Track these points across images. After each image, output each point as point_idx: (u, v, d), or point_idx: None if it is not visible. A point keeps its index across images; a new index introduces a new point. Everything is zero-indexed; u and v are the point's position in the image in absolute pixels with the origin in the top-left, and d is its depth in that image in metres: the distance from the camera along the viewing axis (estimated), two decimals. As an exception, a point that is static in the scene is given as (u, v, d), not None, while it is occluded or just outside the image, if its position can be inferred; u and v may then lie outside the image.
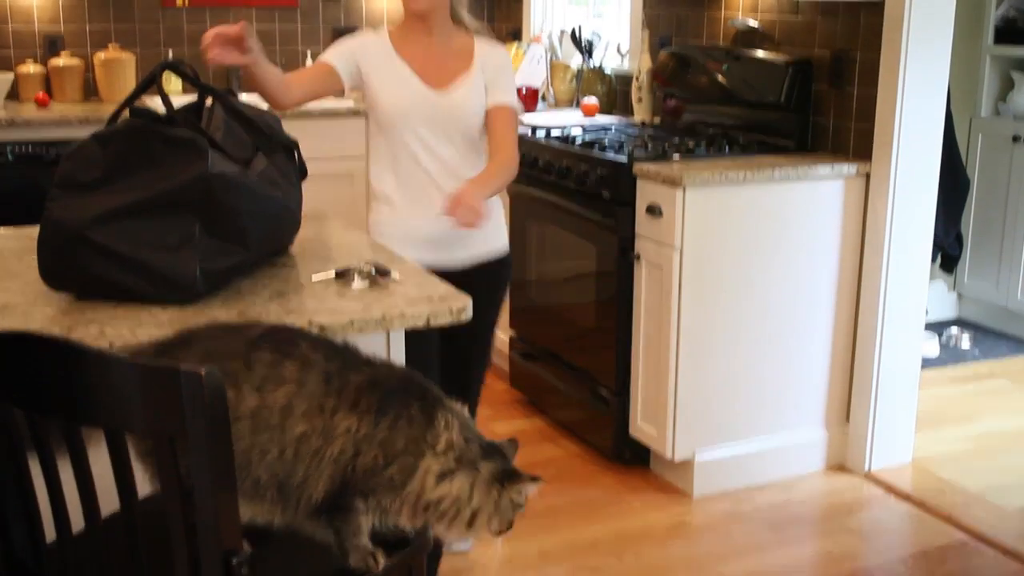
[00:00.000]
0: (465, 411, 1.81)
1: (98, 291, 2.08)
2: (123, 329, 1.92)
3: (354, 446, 1.70)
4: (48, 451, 1.58)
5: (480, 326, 2.77)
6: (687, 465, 3.70)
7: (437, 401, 1.77)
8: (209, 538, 1.51)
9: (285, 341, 1.74)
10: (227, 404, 1.49)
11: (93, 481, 1.56)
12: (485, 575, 3.21)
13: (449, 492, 1.73)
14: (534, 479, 1.80)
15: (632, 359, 3.78)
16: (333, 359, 1.74)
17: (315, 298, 2.14)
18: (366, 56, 2.95)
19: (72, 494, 1.58)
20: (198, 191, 2.07)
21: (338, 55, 2.95)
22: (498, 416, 4.34)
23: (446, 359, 2.99)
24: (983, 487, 3.76)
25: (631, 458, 3.89)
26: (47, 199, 2.15)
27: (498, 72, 2.99)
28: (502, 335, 4.64)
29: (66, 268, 2.09)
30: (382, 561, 1.81)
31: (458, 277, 2.55)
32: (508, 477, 1.77)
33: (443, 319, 2.10)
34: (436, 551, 2.64)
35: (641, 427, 3.78)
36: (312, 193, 5.29)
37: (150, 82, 2.28)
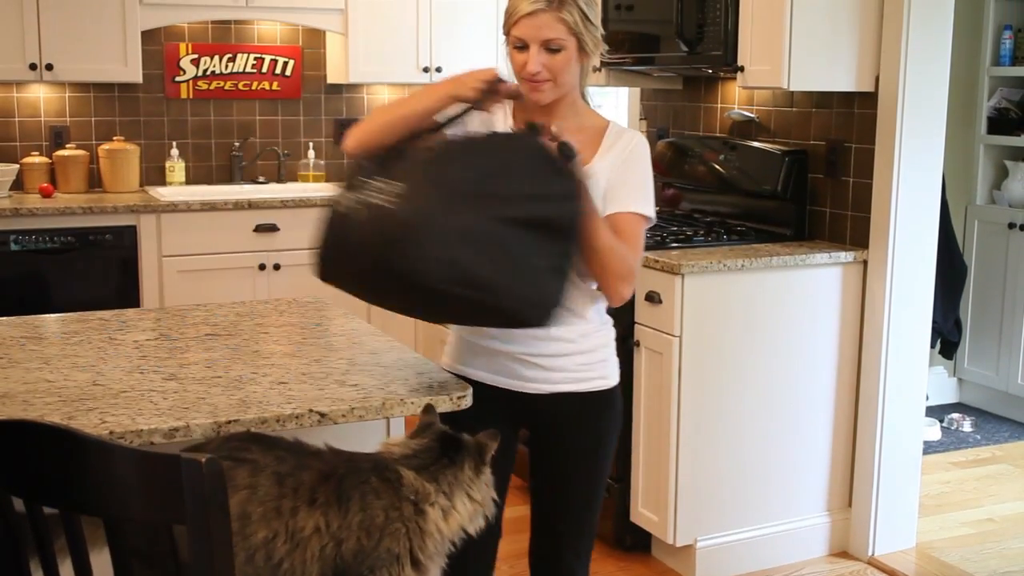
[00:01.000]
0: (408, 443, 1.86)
1: (450, 286, 1.95)
2: (123, 417, 1.94)
3: (332, 538, 1.72)
4: (48, 541, 1.58)
5: (559, 473, 2.46)
6: (689, 551, 3.68)
7: (388, 464, 1.81)
8: (207, 627, 1.51)
9: (237, 448, 1.76)
10: (227, 492, 1.49)
11: (92, 572, 1.56)
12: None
13: (462, 516, 1.81)
14: (492, 438, 1.89)
15: (632, 445, 3.77)
16: (285, 460, 1.76)
17: (315, 386, 2.16)
18: (474, 115, 2.28)
19: (71, 583, 1.58)
20: (573, 224, 2.08)
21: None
22: (499, 503, 4.31)
23: (534, 510, 2.60)
24: (987, 572, 3.73)
25: (632, 544, 3.86)
26: (405, 189, 1.97)
27: (629, 167, 2.32)
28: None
29: (424, 260, 1.93)
30: None
31: (531, 403, 2.36)
32: (480, 459, 1.86)
33: (444, 407, 2.11)
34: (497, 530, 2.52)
35: (642, 513, 3.76)
36: (312, 281, 5.32)
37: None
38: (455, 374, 2.32)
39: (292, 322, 2.76)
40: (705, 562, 3.67)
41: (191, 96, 5.47)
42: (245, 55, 5.55)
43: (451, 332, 2.47)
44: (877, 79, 3.67)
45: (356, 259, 2.02)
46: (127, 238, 4.79)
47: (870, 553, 3.82)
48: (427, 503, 1.79)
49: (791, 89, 3.64)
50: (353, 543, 1.73)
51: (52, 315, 2.86)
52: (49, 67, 4.88)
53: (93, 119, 5.29)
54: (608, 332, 2.44)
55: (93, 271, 4.75)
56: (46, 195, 4.95)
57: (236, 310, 2.87)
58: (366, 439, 2.41)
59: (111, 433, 1.86)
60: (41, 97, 5.19)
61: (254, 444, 1.79)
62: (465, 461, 1.85)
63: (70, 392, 2.09)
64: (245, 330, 2.64)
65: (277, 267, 5.00)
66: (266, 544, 1.70)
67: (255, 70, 5.58)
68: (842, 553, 3.88)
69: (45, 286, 4.68)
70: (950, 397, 5.68)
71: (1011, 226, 5.29)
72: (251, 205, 4.96)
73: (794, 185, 3.93)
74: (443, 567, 1.83)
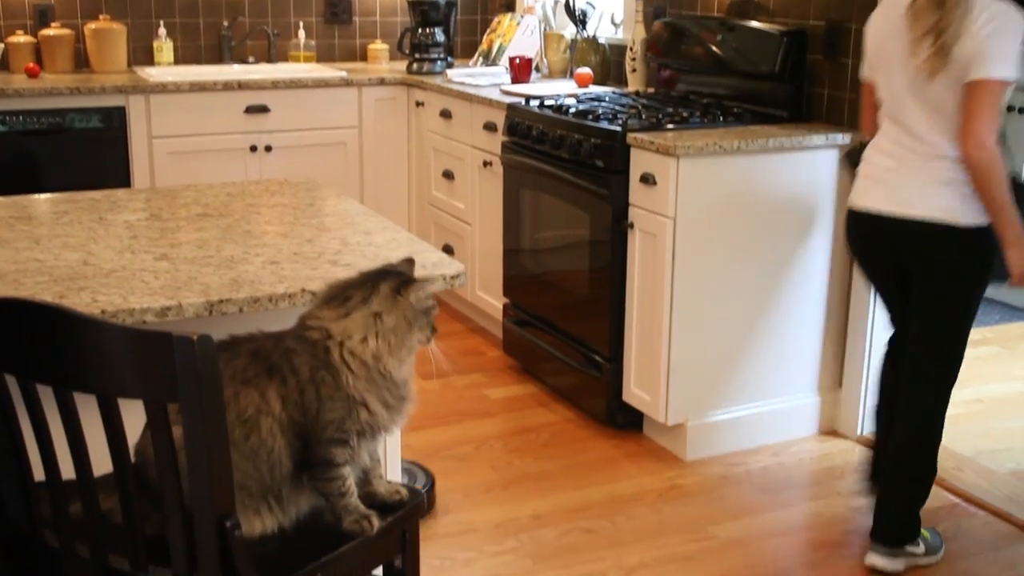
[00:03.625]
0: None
1: None
2: (115, 296, 1.93)
3: (281, 409, 1.73)
4: (41, 417, 1.59)
5: (918, 293, 2.95)
6: (680, 429, 3.73)
7: (302, 321, 1.80)
8: (203, 502, 1.53)
9: None
10: (219, 369, 1.50)
11: (86, 446, 1.58)
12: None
13: (378, 342, 1.76)
14: (428, 279, 1.85)
15: (625, 325, 3.80)
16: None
17: (308, 265, 2.15)
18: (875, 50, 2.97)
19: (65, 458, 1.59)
20: None
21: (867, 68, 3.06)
22: (492, 383, 4.36)
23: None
24: (974, 451, 3.79)
25: (624, 423, 3.91)
26: None
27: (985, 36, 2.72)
28: (494, 302, 4.66)
29: None
30: (376, 523, 1.83)
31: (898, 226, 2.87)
32: (403, 284, 1.79)
33: (437, 286, 2.10)
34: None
35: (634, 392, 3.80)
36: (305, 162, 5.30)
37: None
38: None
39: (284, 202, 2.74)
40: (696, 440, 3.72)
41: (178, -27, 5.36)
42: (232, -70, 5.42)
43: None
44: (878, -45, 3.59)
45: None
46: (116, 119, 4.73)
47: (859, 432, 3.88)
48: (333, 341, 1.76)
49: (790, -35, 3.56)
50: (292, 406, 1.74)
51: (42, 195, 2.84)
52: (31, -58, 4.76)
53: (78, -3, 5.19)
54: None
55: (82, 153, 4.70)
56: (32, 75, 4.88)
57: (227, 190, 2.86)
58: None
59: (103, 312, 1.86)
60: (24, -26, 5.08)
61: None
62: (380, 289, 1.79)
63: (61, 272, 2.08)
64: (236, 210, 2.63)
65: (268, 149, 4.96)
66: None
67: (243, -54, 5.45)
68: (831, 432, 3.94)
69: (34, 168, 4.65)
70: (942, 280, 5.69)
71: (1010, 109, 5.23)
72: (241, 86, 4.89)
73: (792, 66, 3.88)
74: (388, 402, 1.80)
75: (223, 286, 2.01)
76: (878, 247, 3.06)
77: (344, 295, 1.80)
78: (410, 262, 1.91)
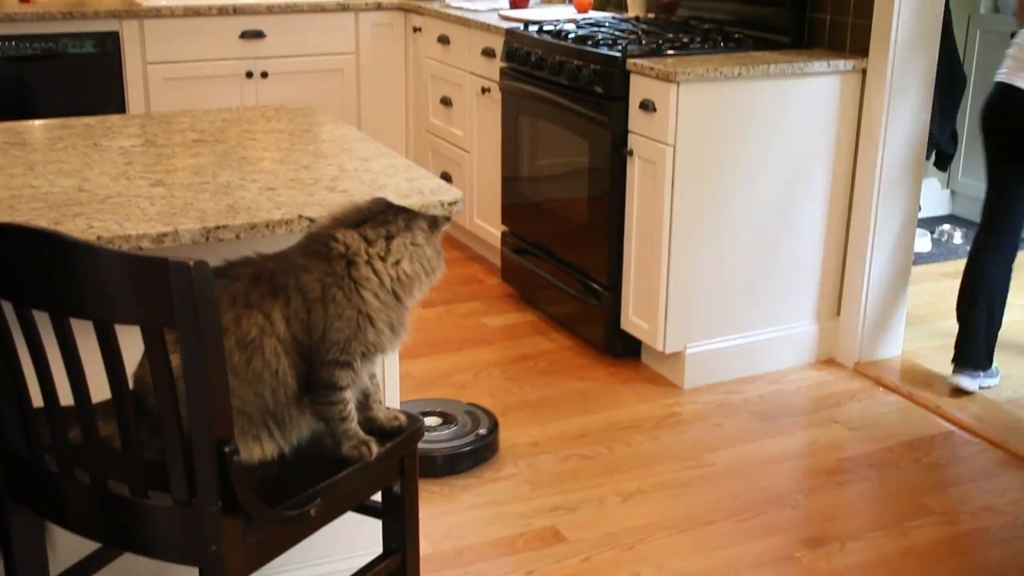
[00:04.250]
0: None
1: None
2: (110, 223, 1.92)
3: (286, 329, 1.72)
4: (38, 343, 1.59)
5: None
6: (678, 357, 3.73)
7: (314, 238, 1.79)
8: (201, 428, 1.53)
9: None
10: (216, 295, 1.49)
11: (84, 372, 1.58)
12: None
13: (412, 265, 1.81)
14: (447, 218, 1.90)
15: (624, 254, 3.79)
16: None
17: (305, 192, 2.14)
18: None
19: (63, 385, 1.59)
20: None
21: None
22: (490, 311, 4.36)
23: None
24: (970, 380, 3.81)
25: (623, 351, 3.92)
26: None
27: None
28: (493, 230, 4.64)
29: None
30: (375, 450, 1.84)
31: None
32: (435, 223, 1.86)
33: (434, 212, 2.09)
34: None
35: (633, 320, 3.80)
36: (302, 88, 5.24)
37: None
38: None
39: (280, 128, 2.72)
40: (693, 368, 3.73)
41: None
42: None
43: None
44: None
45: None
46: (110, 44, 4.68)
47: (856, 360, 3.89)
48: (358, 256, 1.77)
49: None
50: (298, 325, 1.73)
51: (36, 121, 2.82)
52: None
53: (69, -81, 5.10)
54: None
55: (76, 79, 4.65)
56: (24, 0, 4.81)
57: (223, 116, 2.83)
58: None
59: (99, 238, 1.84)
60: None
61: None
62: (418, 223, 1.83)
63: (56, 198, 2.06)
64: (232, 136, 2.60)
65: (264, 75, 4.91)
66: (228, 363, 1.70)
67: None
68: (828, 360, 3.95)
69: (28, 94, 4.60)
70: (942, 209, 5.68)
71: (1014, 35, 5.16)
72: (236, 11, 4.82)
73: (794, -10, 3.83)
74: (394, 326, 1.82)
75: (220, 212, 1.99)
76: (1010, 117, 3.53)
77: (382, 219, 1.81)
78: (446, 218, 1.94)
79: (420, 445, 2.87)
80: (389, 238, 1.79)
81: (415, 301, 1.85)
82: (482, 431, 3.28)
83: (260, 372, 1.72)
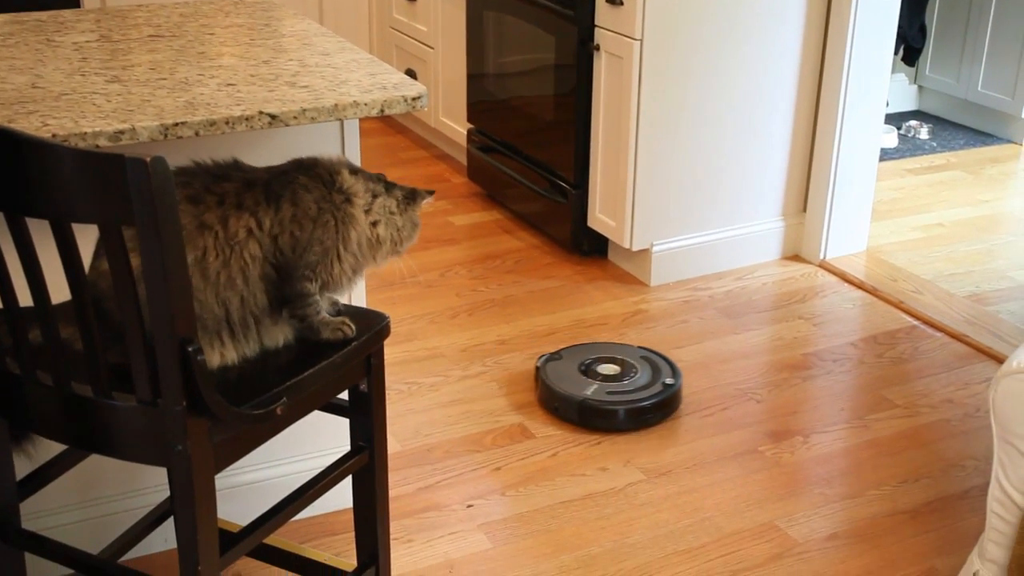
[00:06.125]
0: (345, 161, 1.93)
1: None
2: (66, 120, 1.87)
3: (268, 237, 1.74)
4: (-5, 242, 1.56)
5: None
6: (645, 255, 3.74)
7: (319, 165, 1.85)
8: (164, 327, 1.51)
9: None
10: (175, 191, 1.46)
11: (42, 272, 1.55)
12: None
13: (386, 230, 1.87)
14: (430, 192, 1.97)
15: (591, 151, 3.76)
16: (191, 184, 1.73)
17: (265, 87, 2.09)
18: None
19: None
20: None
21: None
22: (456, 209, 4.33)
23: None
24: (934, 275, 3.84)
25: (589, 249, 3.92)
26: None
27: None
28: (459, 128, 4.60)
29: None
30: (353, 328, 1.88)
31: None
32: (413, 197, 1.93)
33: (398, 108, 2.06)
34: None
35: (600, 218, 3.79)
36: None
37: None
38: None
39: (239, 23, 2.65)
40: (660, 266, 3.74)
41: None
42: None
43: None
44: None
45: None
46: (61, -64, 4.53)
47: (822, 256, 3.91)
48: (356, 197, 1.84)
49: None
50: (287, 237, 1.77)
51: (-15, 16, 2.73)
52: None
53: None
54: None
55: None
56: None
57: (180, 11, 2.75)
58: (320, 146, 2.37)
59: (54, 136, 1.80)
60: None
61: None
62: (395, 192, 1.91)
63: (8, 95, 2.01)
64: (190, 31, 2.53)
65: (223, -31, 4.78)
66: (198, 264, 1.69)
67: None
68: (794, 257, 3.96)
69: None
70: (909, 104, 5.67)
71: (984, -74, 5.11)
72: (192, -99, 4.68)
73: None
74: (353, 275, 1.88)
75: (178, 109, 1.95)
76: None
77: (368, 176, 1.89)
78: (430, 191, 2.00)
79: (600, 397, 2.93)
80: (375, 196, 1.87)
81: (375, 264, 1.91)
82: (668, 380, 3.05)
83: (234, 277, 1.71)
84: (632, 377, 3.06)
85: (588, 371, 3.08)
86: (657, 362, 3.13)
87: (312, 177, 1.82)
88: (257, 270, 1.75)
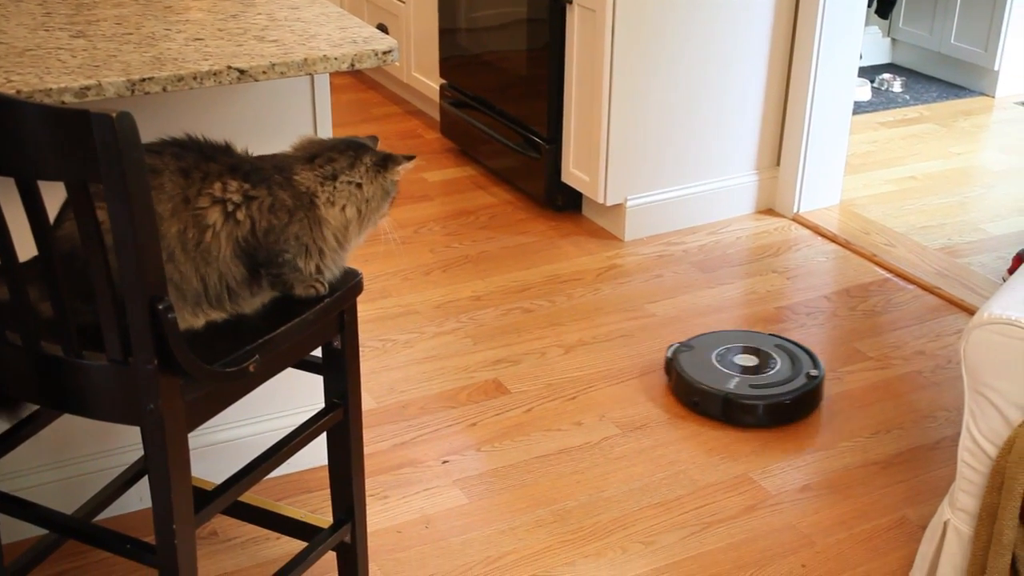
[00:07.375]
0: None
1: None
2: (30, 76, 1.84)
3: (248, 219, 1.73)
4: (-40, 200, 1.54)
5: None
6: (619, 210, 3.73)
7: (284, 164, 1.83)
8: (133, 285, 1.50)
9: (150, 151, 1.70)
10: (142, 147, 1.44)
11: (7, 229, 1.53)
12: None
13: (352, 208, 1.84)
14: (408, 157, 1.93)
15: (564, 106, 3.74)
16: (183, 156, 1.71)
17: (233, 42, 2.06)
18: None
19: (-11, 244, 1.55)
20: None
21: None
22: (430, 166, 4.31)
23: None
24: (907, 228, 3.86)
25: (563, 204, 3.91)
26: None
27: None
28: (431, 83, 4.56)
29: None
30: (327, 285, 1.85)
31: None
32: (384, 163, 1.89)
33: (368, 62, 2.04)
34: None
35: (573, 173, 3.78)
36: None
37: None
38: None
39: (206, -23, 2.61)
40: (634, 220, 3.73)
41: None
42: None
43: None
44: None
45: None
46: None
47: (795, 210, 3.91)
48: (316, 197, 1.81)
49: None
50: (265, 223, 1.75)
51: (-54, -29, 2.68)
52: None
53: None
54: None
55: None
56: None
57: (146, -36, 2.71)
58: (290, 102, 2.35)
59: (18, 92, 1.77)
60: None
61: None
62: (363, 160, 1.86)
63: (-29, 50, 1.97)
64: (156, -15, 2.49)
65: (190, -78, 4.71)
66: (180, 236, 1.67)
67: None
68: (768, 211, 3.97)
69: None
70: (883, 58, 5.66)
71: None
72: None
73: None
74: (329, 267, 1.86)
75: (144, 64, 1.92)
76: None
77: (328, 156, 1.84)
78: (374, 139, 1.95)
79: (740, 391, 2.84)
80: (334, 178, 1.83)
81: (353, 246, 1.89)
82: (813, 372, 2.89)
83: (212, 252, 1.70)
84: (773, 368, 2.92)
85: (724, 362, 2.95)
86: (799, 356, 2.96)
87: (285, 177, 1.80)
88: (234, 248, 1.73)
